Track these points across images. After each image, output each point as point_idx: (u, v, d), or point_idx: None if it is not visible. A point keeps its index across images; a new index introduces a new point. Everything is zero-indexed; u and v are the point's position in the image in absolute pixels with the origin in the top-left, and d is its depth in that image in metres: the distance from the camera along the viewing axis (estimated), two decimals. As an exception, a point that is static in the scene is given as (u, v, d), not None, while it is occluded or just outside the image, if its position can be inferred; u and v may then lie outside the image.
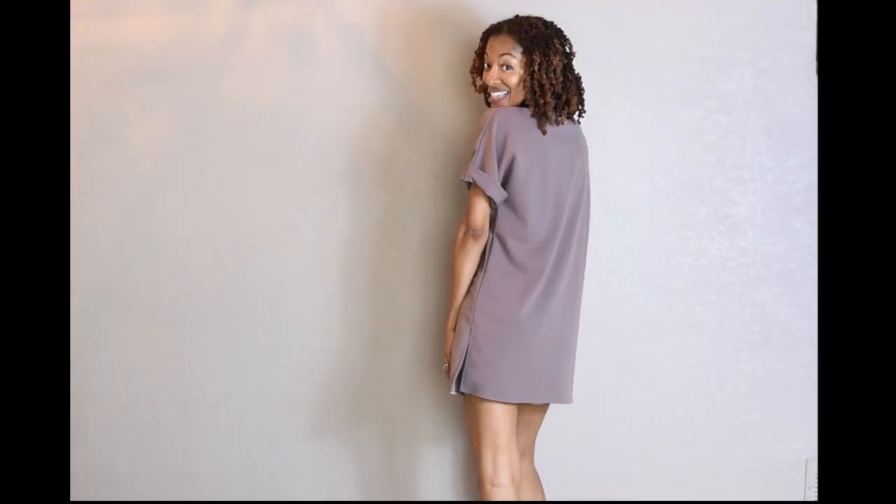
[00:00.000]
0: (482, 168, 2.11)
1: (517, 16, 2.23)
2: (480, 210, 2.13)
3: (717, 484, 2.49)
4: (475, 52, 2.29)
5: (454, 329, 2.18)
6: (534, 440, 2.32)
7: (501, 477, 2.11)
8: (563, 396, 2.22)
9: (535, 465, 2.33)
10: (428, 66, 2.52)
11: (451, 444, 2.57)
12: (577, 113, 2.22)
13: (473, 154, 2.13)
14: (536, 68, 2.14)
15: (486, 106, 2.47)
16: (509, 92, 2.18)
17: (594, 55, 2.26)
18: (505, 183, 2.12)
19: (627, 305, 2.48)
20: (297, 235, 2.60)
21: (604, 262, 2.43)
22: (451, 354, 2.17)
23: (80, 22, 2.63)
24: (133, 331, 2.70)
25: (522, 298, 2.12)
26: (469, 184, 2.14)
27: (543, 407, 2.28)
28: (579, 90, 2.21)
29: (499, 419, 2.12)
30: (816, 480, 2.44)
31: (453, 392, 2.14)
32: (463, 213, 2.52)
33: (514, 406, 2.15)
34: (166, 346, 2.69)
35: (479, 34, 2.44)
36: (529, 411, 2.25)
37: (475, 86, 2.32)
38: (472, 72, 2.31)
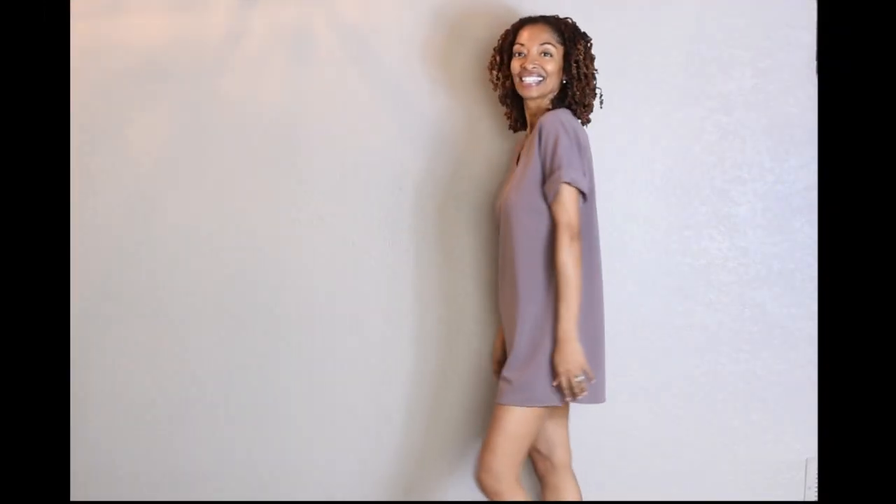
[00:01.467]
0: (572, 167, 2.06)
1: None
2: (578, 208, 2.08)
3: (717, 484, 2.49)
4: (495, 49, 2.27)
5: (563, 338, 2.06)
6: (568, 434, 2.30)
7: (511, 476, 2.09)
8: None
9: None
10: (428, 66, 2.52)
11: (446, 450, 2.57)
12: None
13: (553, 159, 2.05)
14: (581, 57, 2.16)
15: (488, 108, 2.46)
16: (544, 79, 2.16)
17: (594, 55, 2.26)
18: None
19: (627, 305, 2.48)
20: (297, 235, 2.60)
21: (604, 263, 2.42)
22: (584, 365, 2.05)
23: (80, 22, 2.63)
24: (133, 331, 2.70)
25: (597, 297, 2.18)
26: (559, 188, 2.05)
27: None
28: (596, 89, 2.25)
29: (536, 429, 2.11)
30: (816, 480, 2.44)
31: (602, 401, 2.15)
32: (462, 211, 2.52)
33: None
34: (166, 346, 2.68)
35: (479, 34, 2.44)
36: (561, 409, 2.24)
37: (494, 83, 2.28)
38: (490, 68, 2.28)
